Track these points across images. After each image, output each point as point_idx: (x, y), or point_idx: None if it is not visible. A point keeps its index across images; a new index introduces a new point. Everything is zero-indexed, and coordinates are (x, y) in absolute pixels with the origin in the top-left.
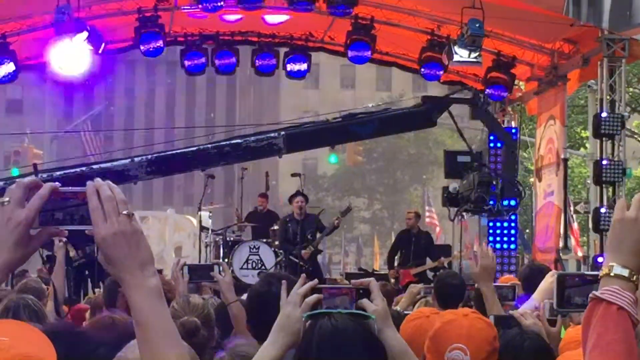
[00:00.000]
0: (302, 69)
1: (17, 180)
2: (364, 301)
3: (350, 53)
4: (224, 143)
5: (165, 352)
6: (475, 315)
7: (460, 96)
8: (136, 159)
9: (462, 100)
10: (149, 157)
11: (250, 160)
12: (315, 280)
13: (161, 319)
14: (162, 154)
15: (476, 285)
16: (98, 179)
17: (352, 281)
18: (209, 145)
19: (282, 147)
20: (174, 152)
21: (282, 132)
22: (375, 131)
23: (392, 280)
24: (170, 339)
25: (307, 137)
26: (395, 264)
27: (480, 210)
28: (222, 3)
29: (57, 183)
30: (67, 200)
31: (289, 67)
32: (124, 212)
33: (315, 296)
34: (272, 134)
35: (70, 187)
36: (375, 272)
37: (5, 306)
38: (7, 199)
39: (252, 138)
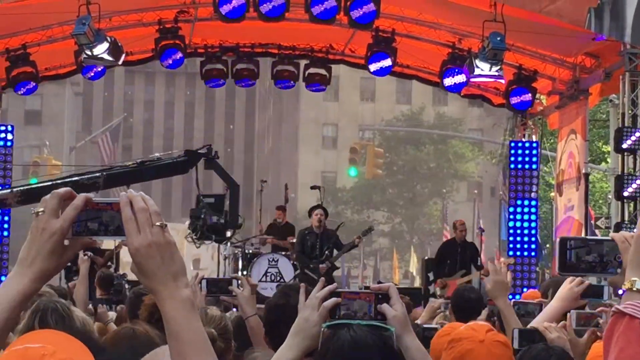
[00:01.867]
0: (323, 82)
1: (52, 191)
2: (384, 306)
3: (372, 67)
4: (60, 181)
5: None
6: (492, 338)
7: (201, 151)
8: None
9: (201, 155)
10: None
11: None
12: (335, 284)
13: (194, 330)
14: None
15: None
16: (131, 191)
17: (372, 286)
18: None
19: (101, 184)
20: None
21: (104, 173)
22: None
23: (438, 291)
24: (203, 351)
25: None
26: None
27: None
28: (242, 15)
29: (91, 194)
30: (101, 211)
31: (309, 79)
32: (157, 223)
33: (333, 300)
34: (97, 174)
35: (104, 198)
36: (395, 286)
37: (34, 309)
38: (41, 209)
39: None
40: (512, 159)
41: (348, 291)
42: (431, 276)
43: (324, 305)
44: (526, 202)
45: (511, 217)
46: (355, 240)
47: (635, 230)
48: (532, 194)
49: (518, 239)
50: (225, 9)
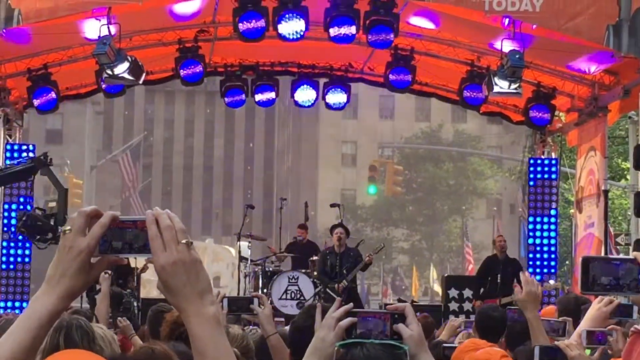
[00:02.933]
0: (342, 101)
1: (78, 210)
2: (400, 326)
3: (391, 77)
4: None
5: None
6: None
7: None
8: None
9: (42, 161)
10: None
11: None
12: (351, 304)
13: (220, 347)
14: None
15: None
16: (157, 208)
17: (388, 306)
18: None
19: None
20: None
21: None
22: None
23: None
24: None
25: None
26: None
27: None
28: (262, 35)
29: (117, 212)
30: (127, 229)
31: (328, 98)
32: (183, 241)
33: (348, 319)
34: None
35: (130, 216)
36: (415, 303)
37: (58, 326)
38: (68, 227)
39: None
40: (532, 175)
41: (364, 311)
42: (451, 293)
43: (340, 325)
44: (545, 219)
45: (530, 233)
46: (367, 258)
47: None
48: (552, 211)
49: (538, 255)
50: (243, 26)
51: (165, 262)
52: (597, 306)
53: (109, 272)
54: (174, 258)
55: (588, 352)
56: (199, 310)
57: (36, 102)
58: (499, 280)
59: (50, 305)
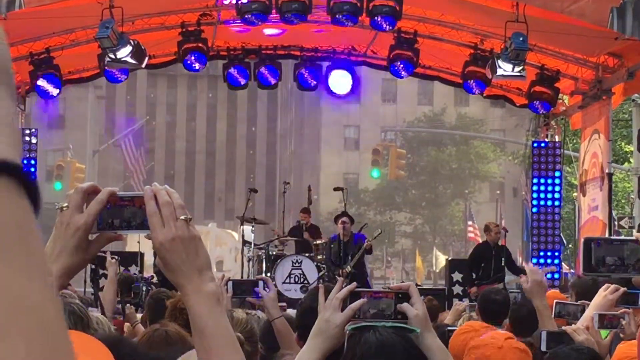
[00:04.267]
0: (347, 85)
1: (76, 186)
2: (405, 305)
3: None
4: None
5: (225, 359)
6: (510, 345)
7: None
8: None
9: None
10: None
11: None
12: (354, 284)
13: (220, 324)
14: None
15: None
16: (155, 184)
17: (391, 285)
18: None
19: None
20: None
21: None
22: None
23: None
24: (229, 346)
25: None
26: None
27: None
28: (262, 18)
29: (115, 188)
30: (125, 205)
31: (331, 81)
32: (182, 217)
33: (360, 301)
34: None
35: (128, 192)
36: (418, 286)
37: None
38: (65, 204)
39: None
40: (535, 158)
41: (368, 290)
42: (455, 277)
43: (351, 307)
44: (549, 203)
45: (534, 217)
46: (366, 245)
47: None
48: (555, 194)
49: (541, 239)
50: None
51: (164, 239)
52: (604, 294)
53: (116, 257)
54: (173, 234)
55: (605, 333)
56: (198, 287)
57: (40, 83)
58: (492, 267)
59: None
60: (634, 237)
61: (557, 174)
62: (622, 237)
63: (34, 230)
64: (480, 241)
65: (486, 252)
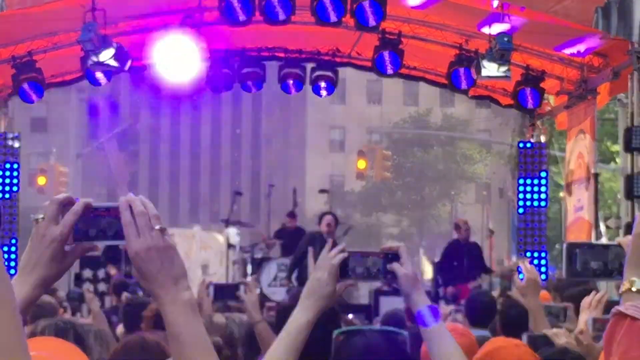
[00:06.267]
0: (330, 86)
1: (51, 198)
2: (394, 265)
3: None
4: None
5: None
6: (525, 349)
7: None
8: None
9: None
10: None
11: None
12: (343, 244)
13: (196, 332)
14: None
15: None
16: (130, 194)
17: (382, 246)
18: None
19: None
20: None
21: None
22: None
23: (449, 298)
24: (204, 353)
25: None
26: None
27: None
28: (243, 17)
29: (90, 199)
30: (101, 216)
31: (316, 83)
32: (157, 227)
33: (341, 255)
34: None
35: (103, 203)
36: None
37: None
38: (41, 215)
39: None
40: (521, 159)
41: (358, 251)
42: (439, 279)
43: (332, 263)
44: (535, 203)
45: (520, 218)
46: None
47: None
48: (542, 195)
49: (528, 239)
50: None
51: (139, 248)
52: (589, 301)
53: (92, 291)
54: (148, 244)
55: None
56: (173, 296)
57: (22, 86)
58: (465, 265)
59: (24, 295)
60: (615, 243)
61: (543, 174)
62: (605, 242)
63: None
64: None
65: (457, 250)
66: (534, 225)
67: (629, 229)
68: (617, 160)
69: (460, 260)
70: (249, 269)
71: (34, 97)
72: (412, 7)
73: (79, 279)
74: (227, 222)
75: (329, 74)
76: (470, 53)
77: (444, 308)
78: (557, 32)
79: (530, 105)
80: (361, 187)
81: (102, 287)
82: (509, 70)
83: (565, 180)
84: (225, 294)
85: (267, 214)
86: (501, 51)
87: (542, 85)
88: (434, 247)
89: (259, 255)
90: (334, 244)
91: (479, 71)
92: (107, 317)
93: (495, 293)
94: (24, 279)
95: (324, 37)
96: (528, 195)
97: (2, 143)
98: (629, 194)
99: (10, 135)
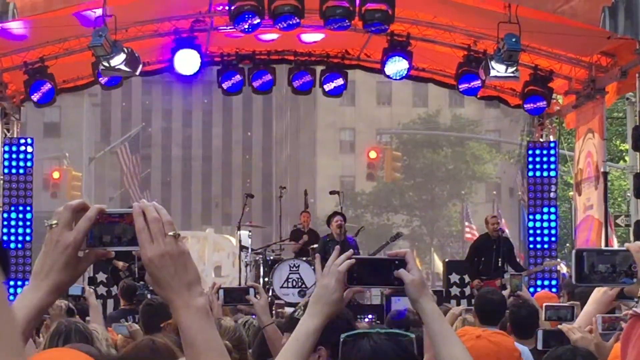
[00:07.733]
0: (339, 86)
1: (65, 204)
2: (401, 272)
3: (387, 70)
4: None
5: None
6: (488, 333)
7: None
8: None
9: None
10: None
11: None
12: (350, 251)
13: (210, 338)
14: None
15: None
16: (144, 200)
17: (388, 252)
18: None
19: None
20: None
21: None
22: None
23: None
24: (219, 358)
25: None
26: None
27: None
28: (257, 21)
29: (104, 205)
30: (114, 222)
31: (326, 85)
32: (170, 233)
33: (347, 262)
34: None
35: (117, 209)
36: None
37: (57, 330)
38: (55, 221)
39: None
40: (530, 159)
41: (364, 257)
42: (452, 278)
43: (339, 270)
44: (545, 202)
45: (530, 217)
46: (383, 250)
47: None
48: (551, 194)
49: (538, 238)
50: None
51: (153, 255)
52: (603, 290)
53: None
54: (162, 250)
55: None
56: (187, 302)
57: (34, 97)
58: (493, 260)
59: (38, 300)
60: (624, 248)
61: (552, 173)
62: (613, 248)
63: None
64: None
65: (486, 245)
66: (544, 224)
67: (638, 226)
68: (626, 158)
69: (489, 256)
70: (262, 270)
71: (46, 102)
72: None
73: (92, 282)
74: (239, 225)
75: (339, 76)
76: (479, 54)
77: (455, 309)
78: (565, 32)
79: (535, 111)
80: (372, 188)
81: (115, 290)
82: (517, 70)
83: (575, 180)
84: (234, 297)
85: (279, 216)
86: (509, 52)
87: (550, 85)
88: (444, 247)
89: (271, 257)
90: (342, 250)
91: (487, 72)
92: (116, 320)
93: (505, 292)
94: (38, 285)
95: (333, 40)
96: (538, 194)
97: (16, 148)
98: (639, 192)
99: (23, 141)
